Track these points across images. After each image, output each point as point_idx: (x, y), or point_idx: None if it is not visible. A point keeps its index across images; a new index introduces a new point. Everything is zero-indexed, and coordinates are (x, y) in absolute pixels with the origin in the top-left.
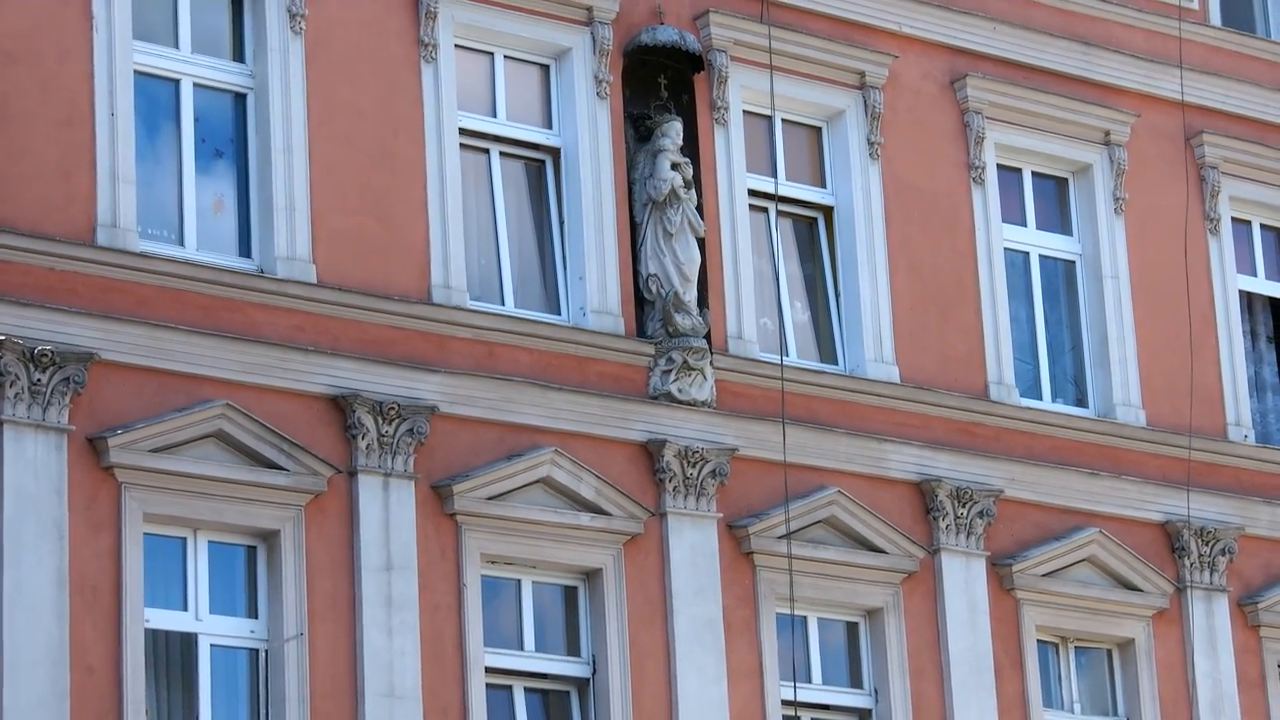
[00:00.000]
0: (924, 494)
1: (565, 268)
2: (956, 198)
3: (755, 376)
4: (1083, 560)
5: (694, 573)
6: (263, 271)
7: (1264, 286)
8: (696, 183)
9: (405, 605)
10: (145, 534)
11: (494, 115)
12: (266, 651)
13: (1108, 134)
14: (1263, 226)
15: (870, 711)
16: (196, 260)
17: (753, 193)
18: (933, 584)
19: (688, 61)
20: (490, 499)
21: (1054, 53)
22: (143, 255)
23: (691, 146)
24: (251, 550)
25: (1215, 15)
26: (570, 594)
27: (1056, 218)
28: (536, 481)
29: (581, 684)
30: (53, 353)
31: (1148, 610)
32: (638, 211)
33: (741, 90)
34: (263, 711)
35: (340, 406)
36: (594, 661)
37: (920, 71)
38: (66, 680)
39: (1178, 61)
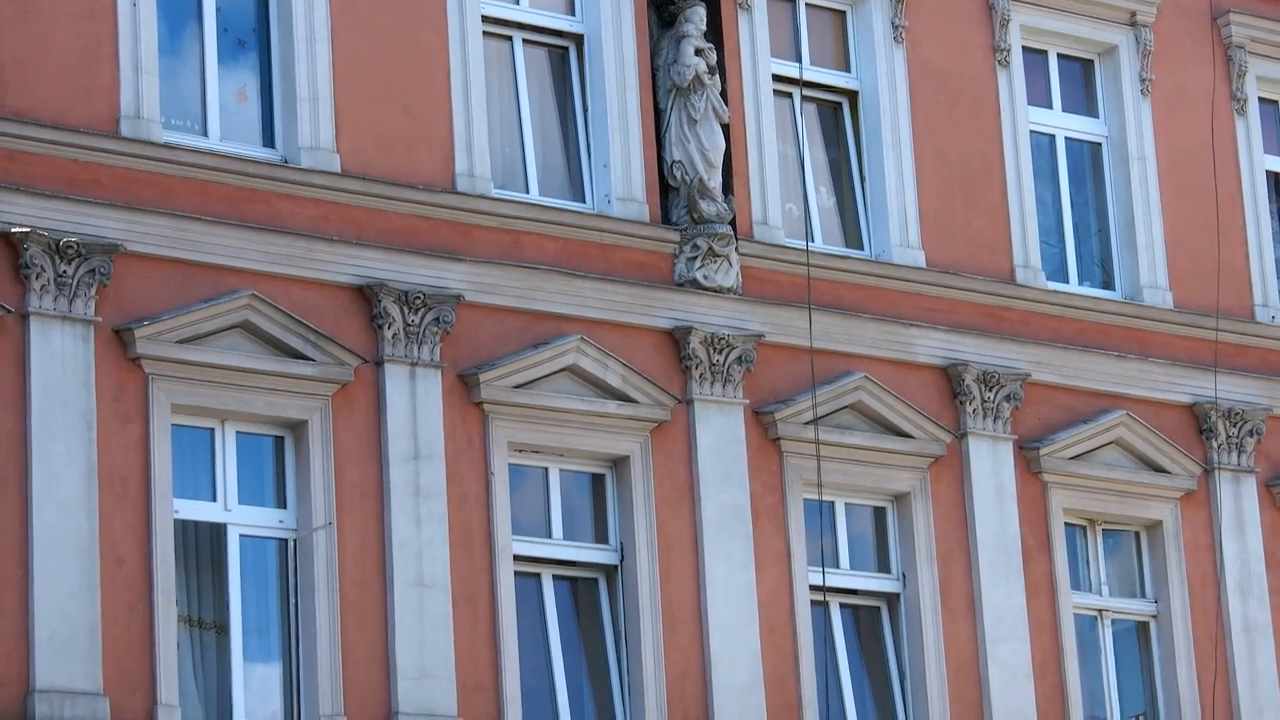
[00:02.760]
0: (950, 378)
1: (589, 155)
2: (982, 81)
3: (781, 262)
4: (1110, 443)
5: (721, 459)
6: (286, 161)
7: None
8: (720, 68)
9: (433, 494)
10: (173, 425)
11: (517, 2)
12: (295, 541)
13: (1134, 14)
14: None
15: (898, 596)
16: (220, 150)
17: (777, 78)
18: (960, 468)
19: None
20: (517, 388)
21: None
22: (166, 146)
23: (715, 32)
24: (279, 440)
25: None
26: (598, 482)
27: (1082, 100)
28: (563, 370)
29: (610, 571)
30: (78, 244)
31: (1175, 492)
32: (661, 98)
33: None
34: (292, 601)
35: (366, 296)
36: (622, 549)
37: None
38: (96, 572)
39: None
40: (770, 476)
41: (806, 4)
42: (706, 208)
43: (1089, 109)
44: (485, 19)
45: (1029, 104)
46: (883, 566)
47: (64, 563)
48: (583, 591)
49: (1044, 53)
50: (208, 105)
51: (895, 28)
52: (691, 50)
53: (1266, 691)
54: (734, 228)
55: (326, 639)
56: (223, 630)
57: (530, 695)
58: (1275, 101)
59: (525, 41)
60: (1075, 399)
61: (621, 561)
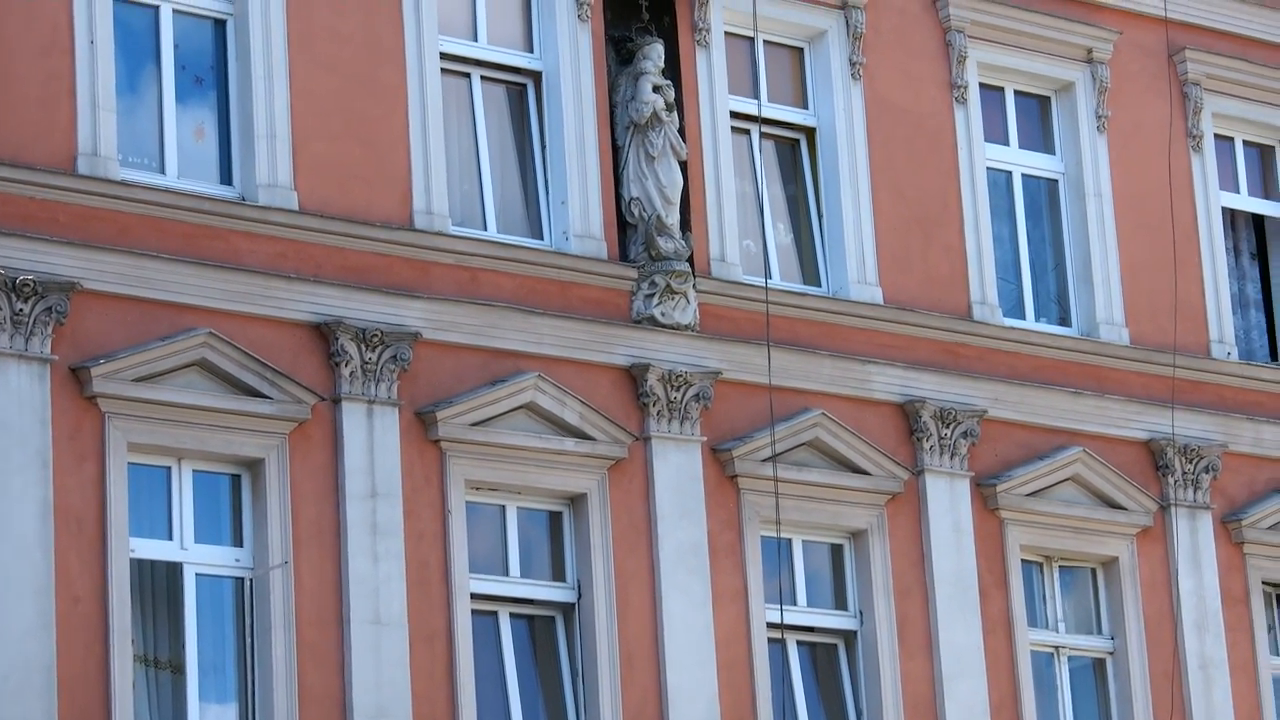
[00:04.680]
0: (908, 415)
1: (547, 192)
2: (939, 117)
3: (738, 299)
4: (1067, 479)
5: (678, 497)
6: (244, 199)
7: (1246, 203)
8: (678, 105)
9: (390, 532)
10: (129, 463)
11: (475, 39)
12: (252, 580)
13: (1090, 51)
14: (1245, 143)
15: (855, 633)
16: (178, 188)
17: (735, 114)
18: (917, 505)
19: None
20: (474, 425)
21: None
22: (124, 184)
23: (673, 69)
24: (236, 479)
25: None
26: (555, 519)
27: (1039, 136)
28: (520, 407)
29: (567, 609)
30: (35, 282)
31: (1132, 528)
32: (619, 135)
33: (723, 11)
34: (248, 640)
35: (323, 334)
36: (579, 586)
37: None
38: (52, 610)
39: None
40: (728, 514)
41: (764, 41)
42: (664, 245)
43: (1045, 145)
44: (443, 56)
45: (986, 141)
46: (840, 604)
47: (20, 601)
48: (540, 630)
49: (1001, 89)
50: (165, 142)
51: (853, 64)
52: (649, 87)
53: None
54: (692, 265)
55: (283, 678)
56: (179, 669)
57: None
58: (1231, 138)
59: (483, 78)
60: (1032, 435)
61: (579, 600)
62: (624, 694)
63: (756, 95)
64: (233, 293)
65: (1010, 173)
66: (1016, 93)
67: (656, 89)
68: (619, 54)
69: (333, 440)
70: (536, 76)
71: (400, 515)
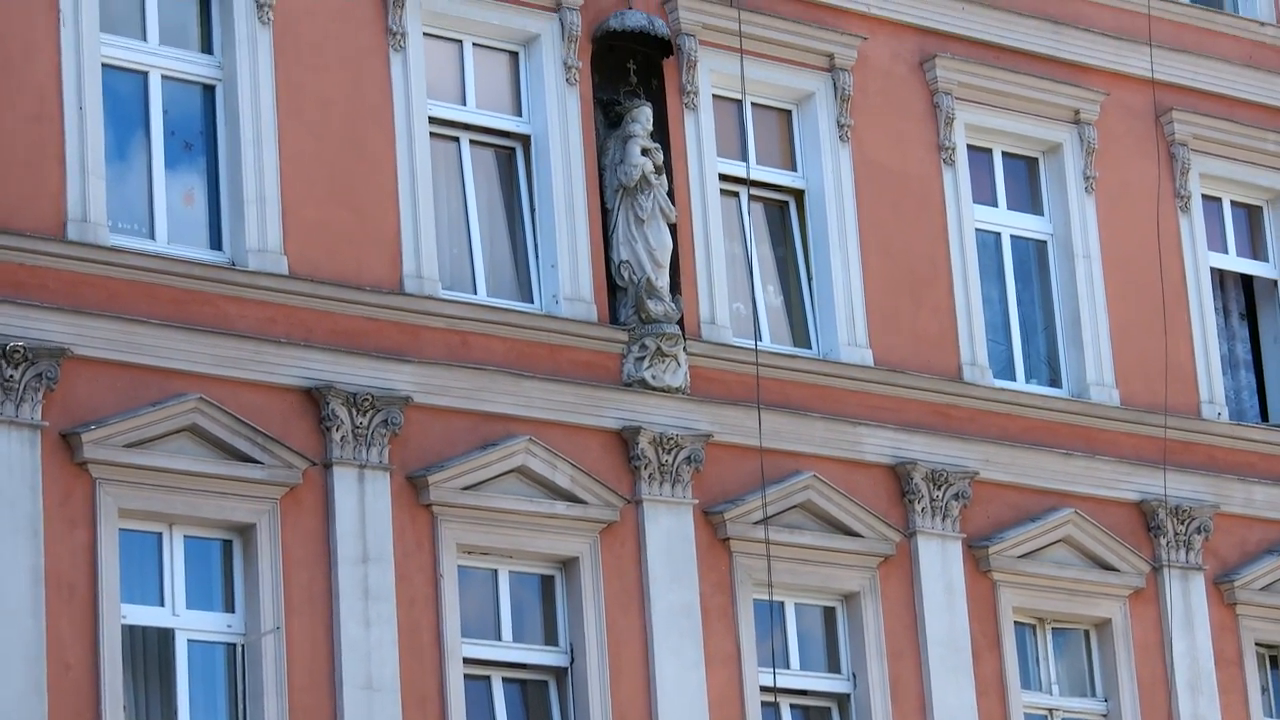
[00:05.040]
0: (899, 477)
1: (537, 255)
2: (927, 179)
3: (729, 361)
4: (1059, 541)
5: (670, 559)
6: (234, 264)
7: (1235, 263)
8: (667, 168)
9: (382, 597)
10: (120, 529)
11: (463, 103)
12: (244, 646)
13: (1077, 113)
14: (1233, 203)
15: (848, 696)
16: (167, 253)
17: (724, 177)
18: (909, 567)
19: (656, 46)
20: (465, 489)
21: (1023, 32)
22: (113, 249)
23: (662, 131)
24: (227, 544)
25: None
26: (547, 583)
27: (1027, 197)
28: (511, 471)
29: (560, 673)
30: (25, 348)
31: (1124, 590)
32: (609, 198)
33: (711, 74)
34: (241, 706)
35: (314, 398)
36: (572, 650)
37: (889, 52)
38: (44, 677)
39: (1147, 39)
40: (720, 576)
41: (753, 103)
42: (654, 307)
43: (1034, 206)
44: (432, 120)
45: (974, 202)
46: (833, 666)
47: (11, 668)
48: (533, 694)
49: (989, 151)
50: (155, 208)
51: (841, 126)
52: (638, 150)
53: None
54: (682, 327)
55: None
56: None
57: None
58: (1219, 198)
59: (472, 142)
60: (1023, 497)
61: (571, 663)
62: None
63: (745, 158)
64: (223, 358)
65: (999, 234)
66: (1004, 154)
67: (645, 152)
68: (607, 117)
69: (324, 505)
70: (525, 140)
71: (392, 580)
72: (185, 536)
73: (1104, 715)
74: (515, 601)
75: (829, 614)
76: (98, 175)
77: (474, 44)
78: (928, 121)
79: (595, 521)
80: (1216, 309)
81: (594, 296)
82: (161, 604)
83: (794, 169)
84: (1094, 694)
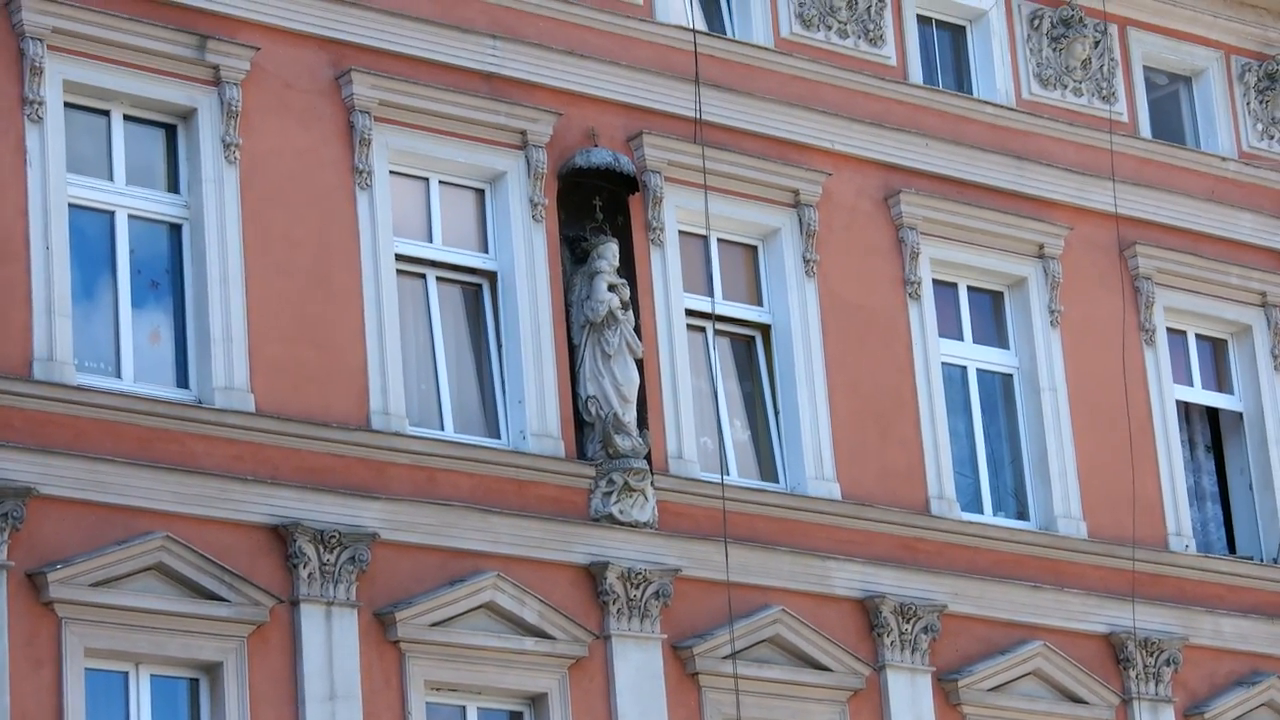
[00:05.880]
0: (868, 610)
1: (504, 391)
2: (893, 313)
3: (696, 496)
4: (1028, 674)
5: (639, 695)
6: (200, 402)
7: (1200, 396)
8: (634, 303)
9: None
10: (87, 669)
11: (430, 240)
12: None
13: (1042, 247)
14: (1198, 336)
15: None
16: (134, 392)
17: (690, 312)
18: (879, 701)
19: (622, 183)
20: (433, 625)
21: (987, 167)
22: (80, 388)
23: (628, 267)
24: (194, 682)
25: (1145, 128)
26: (516, 719)
27: (993, 331)
28: (479, 607)
29: None
30: None
31: None
32: (575, 333)
33: (676, 210)
34: None
35: (281, 536)
36: None
37: (854, 188)
38: None
39: (1110, 174)
40: (689, 711)
41: (718, 239)
42: (621, 442)
43: (1000, 340)
44: (399, 257)
45: (940, 336)
46: None
47: None
48: None
49: (954, 285)
50: (121, 346)
51: (806, 262)
52: (605, 286)
53: None
54: (649, 462)
55: None
56: None
57: None
58: (1183, 331)
59: (439, 279)
60: (992, 630)
61: None
62: None
63: (711, 293)
64: (189, 496)
65: (965, 367)
66: (970, 288)
67: (612, 288)
68: (574, 253)
69: (291, 642)
70: (492, 276)
71: (360, 717)
72: (152, 675)
73: None
74: None
75: None
76: (64, 314)
77: (440, 181)
78: (893, 256)
79: (564, 657)
80: (1183, 442)
81: (561, 432)
82: None
83: (760, 304)
84: None
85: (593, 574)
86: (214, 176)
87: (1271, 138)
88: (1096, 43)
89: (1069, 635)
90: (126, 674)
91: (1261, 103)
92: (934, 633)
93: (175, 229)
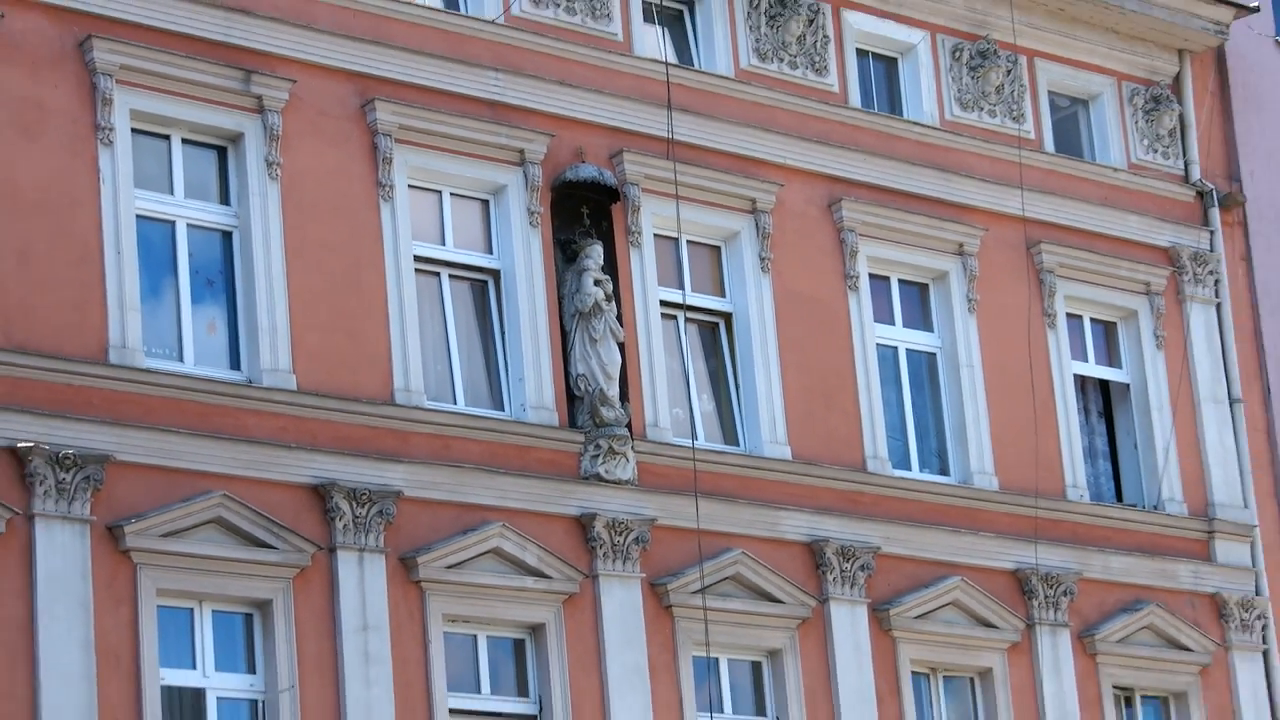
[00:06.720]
0: (814, 552)
1: (507, 370)
2: (835, 303)
3: (670, 458)
4: (948, 604)
5: (623, 625)
6: (250, 382)
7: (1094, 370)
8: (616, 296)
9: (380, 660)
10: (159, 606)
11: (443, 244)
12: (264, 702)
13: (961, 246)
14: (1092, 320)
15: None
16: (194, 374)
17: (664, 303)
18: (823, 628)
19: (606, 193)
20: (449, 568)
21: (915, 178)
22: (148, 371)
23: (611, 265)
24: (249, 617)
25: (1049, 143)
26: (519, 645)
27: (920, 317)
28: (488, 552)
29: None
30: (75, 456)
31: (1003, 644)
32: (567, 322)
33: (652, 217)
34: None
35: (320, 494)
36: (541, 702)
37: (803, 197)
38: None
39: (1019, 183)
40: (664, 638)
41: (687, 241)
42: (606, 413)
43: (925, 325)
44: (417, 259)
45: (875, 321)
46: (760, 711)
47: None
48: None
49: (887, 278)
50: (183, 336)
51: (762, 259)
52: (591, 281)
53: None
54: (630, 430)
55: None
56: None
57: None
58: (1080, 316)
59: (451, 276)
60: (919, 568)
61: (540, 712)
62: None
63: (681, 286)
64: (242, 461)
65: (896, 348)
66: (900, 281)
67: (597, 282)
68: (565, 254)
69: (330, 583)
70: (496, 274)
71: (388, 645)
72: (213, 611)
73: None
74: (492, 661)
75: (756, 668)
76: (134, 309)
77: (451, 193)
78: (835, 254)
79: (559, 594)
80: (1079, 409)
81: (555, 405)
82: (194, 668)
83: (723, 295)
84: None
85: (583, 524)
86: (259, 191)
87: (1156, 151)
88: (1008, 71)
89: (982, 571)
90: (191, 610)
91: (1148, 121)
92: (869, 570)
93: (227, 236)
